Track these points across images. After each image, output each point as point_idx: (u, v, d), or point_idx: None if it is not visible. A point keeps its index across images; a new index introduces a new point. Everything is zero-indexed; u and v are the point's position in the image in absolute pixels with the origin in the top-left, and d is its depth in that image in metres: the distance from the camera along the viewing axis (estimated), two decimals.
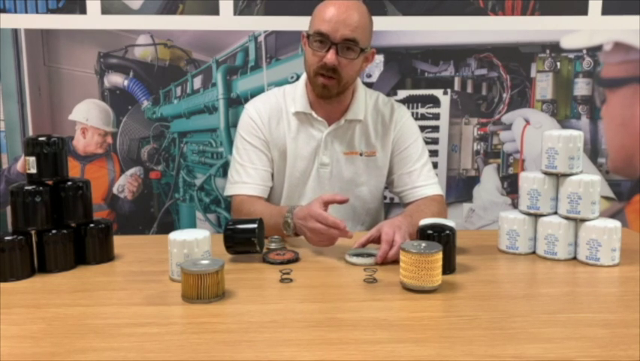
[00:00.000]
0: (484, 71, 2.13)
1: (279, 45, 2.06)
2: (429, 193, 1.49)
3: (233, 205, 1.51)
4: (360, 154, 1.52)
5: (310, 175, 1.53)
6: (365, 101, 1.53)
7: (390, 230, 1.20)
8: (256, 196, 1.48)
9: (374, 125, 1.53)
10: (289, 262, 1.20)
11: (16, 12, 2.03)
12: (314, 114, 1.49)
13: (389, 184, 1.59)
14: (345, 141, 1.52)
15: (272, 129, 1.51)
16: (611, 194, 2.21)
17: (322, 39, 1.36)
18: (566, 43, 2.12)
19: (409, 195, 1.52)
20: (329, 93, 1.42)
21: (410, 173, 1.52)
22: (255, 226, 1.19)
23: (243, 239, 1.19)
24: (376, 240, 1.23)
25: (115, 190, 2.16)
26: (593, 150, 2.19)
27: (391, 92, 2.12)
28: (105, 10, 2.04)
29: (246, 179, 1.49)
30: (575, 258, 1.23)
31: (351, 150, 1.52)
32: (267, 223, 1.31)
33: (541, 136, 1.29)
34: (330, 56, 1.35)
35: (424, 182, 1.51)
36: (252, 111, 1.53)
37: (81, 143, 2.12)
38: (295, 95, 1.51)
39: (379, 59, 2.10)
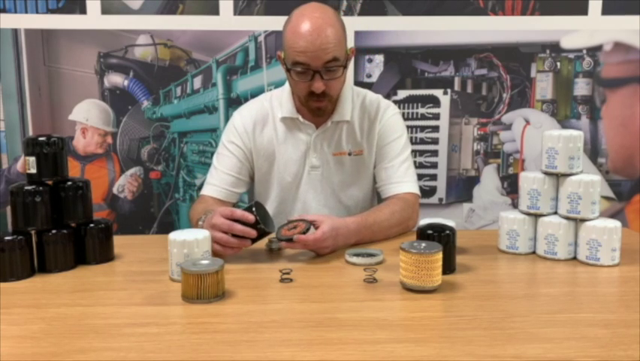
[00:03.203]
0: (484, 71, 2.13)
1: (279, 45, 2.06)
2: (401, 191, 1.48)
3: (196, 200, 1.53)
4: (349, 154, 1.52)
5: (302, 179, 1.52)
6: (352, 101, 1.52)
7: (328, 230, 1.21)
8: (217, 199, 1.49)
9: (360, 124, 1.52)
10: (303, 233, 1.19)
11: (16, 12, 2.03)
12: (300, 118, 1.49)
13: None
14: (334, 142, 1.51)
15: (256, 137, 1.51)
16: (611, 194, 2.21)
17: (303, 69, 1.35)
18: (566, 43, 2.12)
19: (383, 191, 1.52)
20: (323, 113, 1.45)
21: (387, 168, 1.51)
22: (253, 209, 1.16)
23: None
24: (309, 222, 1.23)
25: (115, 190, 2.16)
26: (593, 150, 2.19)
27: (391, 92, 2.12)
28: (105, 10, 2.04)
29: (214, 181, 1.50)
30: (575, 258, 1.23)
31: (339, 151, 1.51)
32: (204, 210, 1.31)
33: (541, 136, 1.29)
34: (317, 85, 1.35)
35: (400, 179, 1.50)
36: (237, 119, 1.53)
37: (81, 143, 2.12)
38: (282, 100, 1.51)
39: (379, 59, 2.10)
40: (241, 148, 1.51)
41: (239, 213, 1.15)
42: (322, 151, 1.51)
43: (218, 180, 1.50)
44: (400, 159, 1.51)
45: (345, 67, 1.39)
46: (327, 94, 1.38)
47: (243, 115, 1.54)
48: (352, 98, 1.52)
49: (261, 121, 1.52)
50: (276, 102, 1.53)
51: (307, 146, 1.51)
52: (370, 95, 1.56)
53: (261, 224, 1.16)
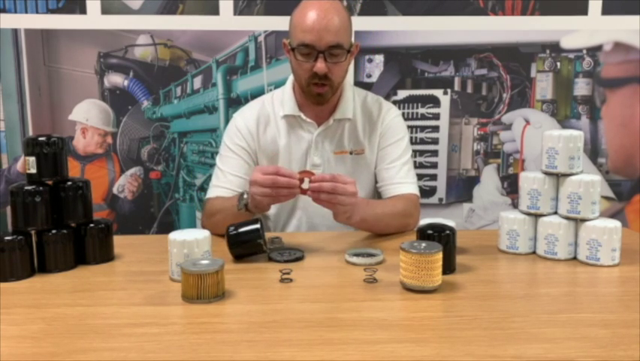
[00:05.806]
0: (484, 71, 2.13)
1: (279, 45, 2.06)
2: (403, 191, 1.49)
3: (204, 206, 1.51)
4: (350, 153, 1.53)
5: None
6: (353, 100, 1.53)
7: (352, 185, 1.24)
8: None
9: (362, 123, 1.54)
10: (296, 259, 1.20)
11: (16, 12, 2.03)
12: (302, 116, 1.50)
13: None
14: (335, 141, 1.52)
15: (259, 136, 1.52)
16: (611, 194, 2.21)
17: (308, 50, 1.37)
18: (566, 43, 2.12)
19: (385, 191, 1.53)
20: (324, 99, 1.45)
21: (388, 169, 1.53)
22: (258, 226, 1.19)
23: (248, 241, 1.19)
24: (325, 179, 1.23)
25: (115, 190, 2.16)
26: (593, 150, 2.19)
27: (391, 92, 2.12)
28: (105, 10, 2.04)
29: (221, 183, 1.49)
30: (575, 258, 1.23)
31: (340, 150, 1.53)
32: (224, 207, 1.37)
33: (541, 136, 1.29)
34: (320, 65, 1.37)
35: (401, 180, 1.51)
36: (239, 120, 1.53)
37: (81, 143, 2.12)
38: (283, 99, 1.52)
39: (379, 59, 2.10)
40: (245, 149, 1.51)
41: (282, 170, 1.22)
42: (324, 149, 1.52)
43: (226, 183, 1.48)
44: (401, 161, 1.53)
45: (349, 52, 1.40)
46: (330, 78, 1.39)
47: (245, 116, 1.54)
48: (353, 97, 1.54)
49: (264, 121, 1.52)
50: (277, 101, 1.53)
51: (309, 144, 1.51)
52: (371, 95, 1.59)
53: (262, 239, 1.18)
